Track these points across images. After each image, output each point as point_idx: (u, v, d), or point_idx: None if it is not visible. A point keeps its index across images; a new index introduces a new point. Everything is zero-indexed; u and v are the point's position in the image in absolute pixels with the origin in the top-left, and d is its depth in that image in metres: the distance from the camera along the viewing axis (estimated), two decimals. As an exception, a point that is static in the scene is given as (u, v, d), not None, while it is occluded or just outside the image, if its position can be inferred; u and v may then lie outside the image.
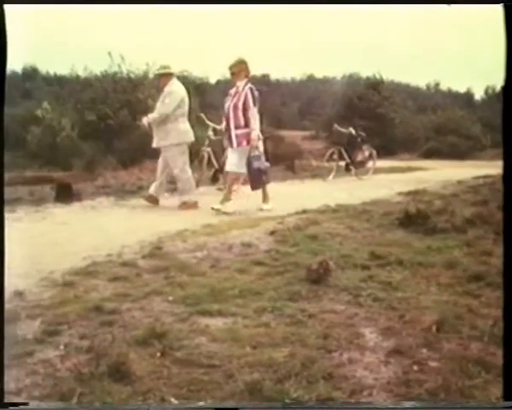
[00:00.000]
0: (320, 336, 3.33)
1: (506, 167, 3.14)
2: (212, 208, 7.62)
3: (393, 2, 4.30)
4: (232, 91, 8.01)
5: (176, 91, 8.37)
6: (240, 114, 7.84)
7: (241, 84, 7.91)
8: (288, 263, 4.83)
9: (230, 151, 8.07)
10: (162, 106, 8.32)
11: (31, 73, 28.12)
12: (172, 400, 2.62)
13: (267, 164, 8.01)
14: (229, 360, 2.98)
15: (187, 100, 8.50)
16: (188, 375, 2.85)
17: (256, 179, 7.87)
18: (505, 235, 3.17)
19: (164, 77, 8.49)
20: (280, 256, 5.08)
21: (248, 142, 7.79)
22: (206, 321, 3.56)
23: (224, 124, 8.31)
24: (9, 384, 2.81)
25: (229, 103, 7.96)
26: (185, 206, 8.16)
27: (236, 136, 7.87)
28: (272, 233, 5.91)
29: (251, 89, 7.86)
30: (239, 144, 7.85)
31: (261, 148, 8.06)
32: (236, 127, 7.87)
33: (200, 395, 2.67)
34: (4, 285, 2.76)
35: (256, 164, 7.77)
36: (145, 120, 8.47)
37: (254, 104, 7.82)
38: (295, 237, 5.69)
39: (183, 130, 8.35)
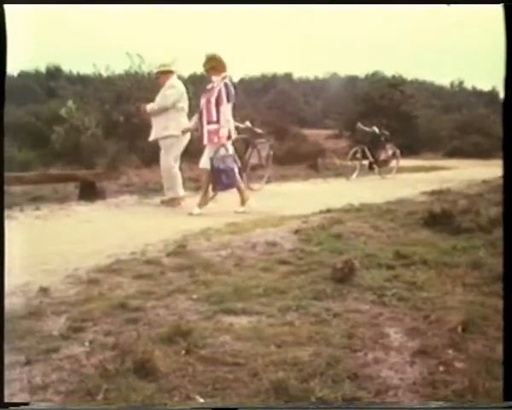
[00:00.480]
0: (345, 336, 3.31)
1: (506, 167, 3.13)
2: (191, 214, 7.52)
3: (394, 2, 4.28)
4: (209, 87, 7.87)
5: (176, 86, 8.42)
6: (213, 109, 7.69)
7: (216, 79, 7.74)
8: (313, 262, 4.82)
9: (207, 147, 7.84)
10: (163, 98, 8.36)
11: (54, 73, 28.40)
12: (197, 397, 2.63)
13: (232, 165, 7.70)
14: (254, 359, 2.97)
15: (186, 96, 8.55)
16: (212, 373, 2.85)
17: (215, 180, 7.64)
18: (505, 235, 3.15)
19: (164, 75, 8.52)
20: (304, 255, 5.07)
21: (219, 138, 7.65)
22: (230, 319, 3.56)
23: (194, 119, 8.14)
24: (36, 379, 2.83)
25: (203, 98, 7.85)
26: (168, 202, 8.20)
27: (208, 132, 7.73)
28: (296, 232, 5.89)
29: (226, 84, 7.71)
30: (210, 140, 7.71)
31: (230, 148, 7.82)
32: (208, 123, 7.73)
33: (225, 393, 2.67)
34: (4, 285, 2.77)
35: (216, 164, 7.56)
36: (149, 107, 8.49)
37: (228, 100, 7.66)
38: (319, 236, 5.67)
39: (184, 123, 8.36)
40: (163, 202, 8.25)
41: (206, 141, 7.76)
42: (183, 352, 3.05)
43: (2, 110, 2.75)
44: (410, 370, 2.95)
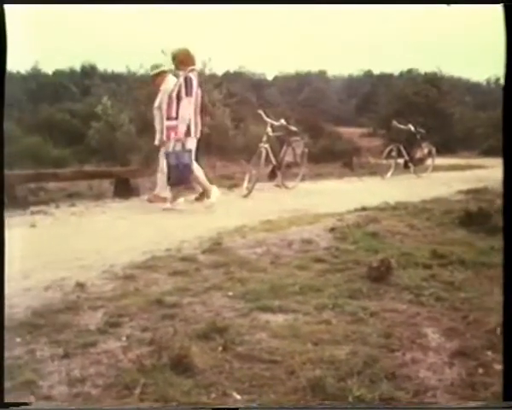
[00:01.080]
0: (382, 335, 3.28)
1: (506, 166, 3.09)
2: (164, 209, 7.49)
3: (394, 2, 4.24)
4: (175, 82, 7.75)
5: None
6: (173, 105, 7.52)
7: (183, 74, 7.57)
8: (348, 260, 4.79)
9: (165, 144, 7.76)
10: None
11: (89, 71, 28.69)
12: (235, 394, 2.62)
13: (188, 161, 7.44)
14: (291, 357, 2.96)
15: None
16: (249, 370, 2.85)
17: (168, 175, 7.49)
18: (505, 236, 3.20)
19: (159, 77, 8.35)
20: (340, 253, 5.04)
21: (176, 134, 7.47)
22: (266, 317, 3.55)
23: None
24: (74, 372, 2.87)
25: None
26: (155, 198, 8.07)
27: (167, 128, 7.61)
28: (332, 230, 5.85)
29: (186, 78, 7.51)
30: (167, 137, 7.59)
31: (189, 144, 7.57)
32: (168, 119, 7.61)
33: (262, 390, 2.66)
34: (4, 284, 2.80)
35: (170, 159, 7.42)
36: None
37: (188, 95, 7.46)
38: (355, 235, 5.63)
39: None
40: (150, 201, 8.13)
41: (164, 138, 7.70)
42: (220, 348, 3.05)
43: (1, 110, 2.76)
44: (448, 371, 2.92)
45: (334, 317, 3.56)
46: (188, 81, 7.49)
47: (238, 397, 2.61)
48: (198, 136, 7.75)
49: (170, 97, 7.59)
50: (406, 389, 2.70)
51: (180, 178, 7.49)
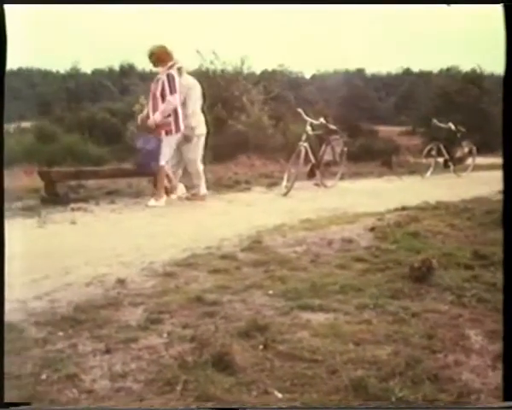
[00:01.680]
0: (424, 336, 3.26)
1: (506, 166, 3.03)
2: (147, 205, 7.59)
3: (394, 2, 4.18)
4: (155, 80, 7.81)
5: (195, 84, 8.26)
6: (159, 103, 7.64)
7: (162, 70, 7.65)
8: (389, 260, 4.74)
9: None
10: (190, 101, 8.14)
11: (128, 70, 28.93)
12: (276, 392, 2.62)
13: (152, 147, 7.64)
14: (332, 356, 2.95)
15: (199, 88, 8.39)
16: (291, 369, 2.84)
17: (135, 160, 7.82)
18: (505, 236, 3.14)
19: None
20: (380, 253, 5.00)
21: (167, 132, 7.62)
22: (307, 316, 3.55)
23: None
24: (116, 367, 2.90)
25: (150, 92, 7.83)
26: (194, 197, 8.15)
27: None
28: (372, 230, 5.81)
29: (168, 75, 7.58)
30: (158, 134, 7.68)
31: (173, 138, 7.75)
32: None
33: (303, 389, 2.66)
34: (4, 282, 2.82)
35: (138, 143, 7.73)
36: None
37: (172, 92, 7.58)
38: (395, 234, 5.58)
39: (203, 121, 8.33)
40: (186, 199, 8.23)
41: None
42: (261, 347, 3.06)
43: (1, 109, 2.79)
44: (491, 374, 2.88)
45: (375, 317, 3.54)
46: (170, 78, 7.59)
47: (280, 396, 2.61)
48: (182, 130, 7.85)
49: (154, 96, 7.71)
50: (449, 391, 2.67)
51: (141, 164, 7.76)
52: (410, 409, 2.60)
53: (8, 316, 3.55)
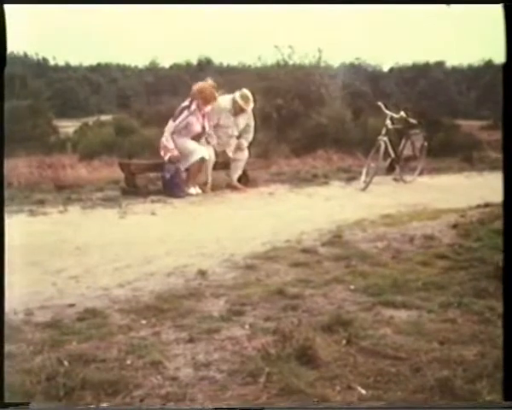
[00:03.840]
0: None
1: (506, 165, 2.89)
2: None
3: (394, 2, 4.04)
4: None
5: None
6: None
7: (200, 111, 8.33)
8: (473, 258, 4.62)
9: None
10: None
11: (205, 64, 29.24)
12: (359, 388, 2.61)
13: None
14: (417, 354, 2.91)
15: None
16: (374, 365, 2.82)
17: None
18: (505, 235, 3.19)
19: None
20: (463, 251, 4.88)
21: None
22: (390, 312, 3.51)
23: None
24: (199, 356, 2.95)
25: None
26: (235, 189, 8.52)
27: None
28: (455, 226, 5.69)
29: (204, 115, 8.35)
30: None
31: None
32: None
33: (387, 386, 2.63)
34: (4, 280, 2.85)
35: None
36: None
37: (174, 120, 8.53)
38: (479, 232, 5.43)
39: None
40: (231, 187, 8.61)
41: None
42: (344, 342, 3.04)
43: (2, 109, 2.82)
44: None
45: (459, 316, 3.46)
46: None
47: (363, 392, 2.59)
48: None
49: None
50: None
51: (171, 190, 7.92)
52: (410, 409, 2.55)
53: (93, 302, 3.67)
